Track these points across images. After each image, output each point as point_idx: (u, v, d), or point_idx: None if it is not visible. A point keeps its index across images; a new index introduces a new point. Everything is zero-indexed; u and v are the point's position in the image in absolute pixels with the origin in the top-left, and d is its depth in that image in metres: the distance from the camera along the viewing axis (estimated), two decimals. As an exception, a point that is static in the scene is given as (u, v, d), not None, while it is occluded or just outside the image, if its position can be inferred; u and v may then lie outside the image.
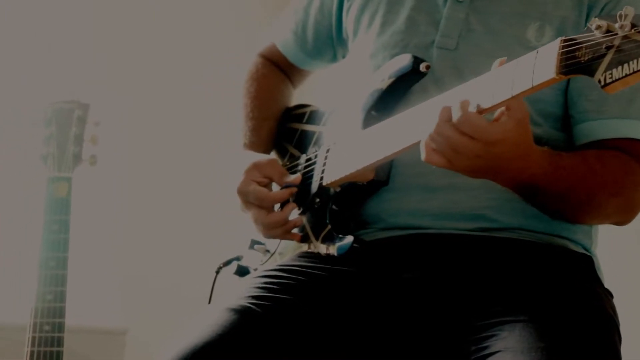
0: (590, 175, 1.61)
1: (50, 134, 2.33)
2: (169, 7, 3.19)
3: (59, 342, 2.17)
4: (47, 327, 2.17)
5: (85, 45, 3.05)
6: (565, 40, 1.32)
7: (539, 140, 1.65)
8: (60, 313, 2.18)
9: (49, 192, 2.28)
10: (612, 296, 1.72)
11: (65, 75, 2.99)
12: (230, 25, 3.20)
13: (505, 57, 1.44)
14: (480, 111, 1.43)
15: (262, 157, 1.89)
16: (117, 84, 3.02)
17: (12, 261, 2.98)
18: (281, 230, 1.80)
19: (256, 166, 1.83)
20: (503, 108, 1.44)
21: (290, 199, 1.81)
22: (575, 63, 1.30)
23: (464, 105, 1.43)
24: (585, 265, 1.73)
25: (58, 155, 2.31)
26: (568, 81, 1.68)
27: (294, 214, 1.81)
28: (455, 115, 1.43)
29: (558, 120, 1.72)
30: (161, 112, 3.09)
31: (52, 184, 2.28)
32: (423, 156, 1.49)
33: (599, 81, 1.26)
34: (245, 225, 1.85)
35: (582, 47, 1.29)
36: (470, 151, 1.44)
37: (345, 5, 1.90)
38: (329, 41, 1.98)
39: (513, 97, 1.40)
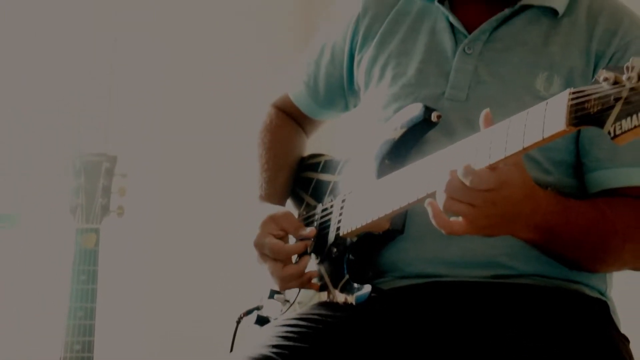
0: (602, 219, 1.57)
1: (78, 185, 2.29)
2: (197, 58, 3.18)
3: (87, 391, 2.13)
4: (75, 377, 2.13)
5: (115, 98, 3.03)
6: (574, 92, 1.27)
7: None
8: (88, 363, 2.14)
9: (77, 243, 2.24)
10: (628, 341, 1.67)
11: (93, 127, 2.97)
12: (258, 74, 3.18)
13: (488, 109, 1.42)
14: (492, 167, 1.39)
15: (277, 209, 1.85)
16: (145, 136, 3.01)
17: (41, 312, 2.95)
18: (297, 282, 1.77)
19: (272, 219, 1.79)
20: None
21: (308, 250, 1.78)
22: (585, 115, 1.25)
23: (468, 168, 1.39)
24: (601, 309, 1.68)
25: (86, 207, 2.27)
26: (579, 131, 1.62)
27: (312, 262, 1.78)
28: (467, 179, 1.39)
29: (570, 168, 1.68)
30: (187, 165, 3.07)
31: (80, 235, 2.24)
32: (442, 230, 1.44)
33: (609, 132, 1.22)
34: (265, 275, 1.81)
35: (591, 99, 1.24)
36: (485, 201, 1.40)
37: (356, 57, 1.87)
38: (341, 92, 1.94)
39: (524, 149, 1.35)
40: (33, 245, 2.99)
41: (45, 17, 3.03)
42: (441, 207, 1.42)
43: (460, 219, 1.42)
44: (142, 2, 3.10)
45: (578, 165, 1.68)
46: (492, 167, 1.39)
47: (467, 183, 1.38)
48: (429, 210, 1.44)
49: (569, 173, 1.67)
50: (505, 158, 1.37)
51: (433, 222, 1.44)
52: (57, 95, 3.02)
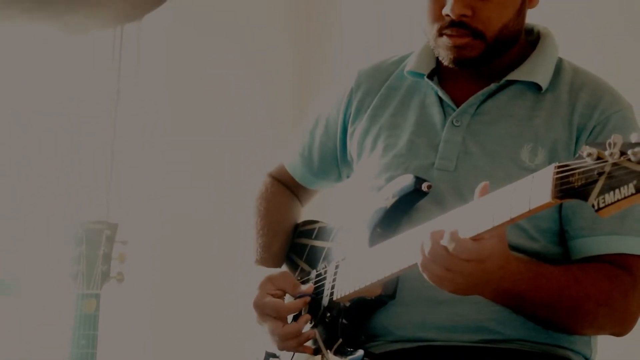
0: (574, 284, 1.59)
1: (80, 252, 2.28)
2: (198, 125, 3.18)
3: None
4: None
5: (116, 168, 3.04)
6: (559, 166, 1.29)
7: (536, 255, 1.64)
8: None
9: (78, 308, 2.22)
10: None
11: (95, 196, 2.98)
12: (257, 142, 3.20)
13: (488, 182, 1.44)
14: (476, 238, 1.42)
15: (274, 270, 1.86)
16: (144, 205, 3.00)
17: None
18: (296, 342, 1.75)
19: (270, 279, 1.80)
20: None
21: (303, 311, 1.78)
22: (570, 188, 1.27)
23: (454, 234, 1.42)
24: (586, 374, 1.69)
25: (87, 273, 2.26)
26: None
27: (306, 327, 1.77)
28: (451, 245, 1.42)
29: (555, 235, 1.69)
30: (185, 232, 3.07)
31: (80, 301, 2.23)
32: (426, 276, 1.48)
33: (593, 205, 1.23)
34: (260, 337, 1.81)
35: (575, 173, 1.26)
36: (462, 269, 1.43)
37: (349, 129, 1.89)
38: (334, 162, 1.95)
39: (512, 219, 1.37)
40: (34, 311, 2.97)
41: (49, 82, 3.03)
42: (419, 263, 1.46)
43: None
44: (144, 67, 3.12)
45: (562, 232, 1.69)
46: (477, 238, 1.41)
47: (450, 249, 1.41)
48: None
49: (554, 240, 1.69)
50: (493, 228, 1.39)
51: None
52: (59, 163, 3.02)
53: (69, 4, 0.75)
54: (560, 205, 1.66)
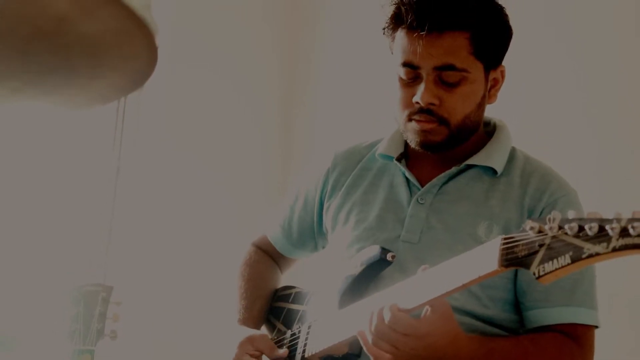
0: (524, 356, 1.60)
1: (77, 312, 2.30)
2: (186, 189, 3.19)
3: None
4: None
5: (114, 234, 3.05)
6: (505, 238, 1.33)
7: (489, 320, 1.65)
8: None
9: (74, 362, 2.23)
10: None
11: (92, 260, 2.99)
12: (246, 198, 3.20)
13: (427, 265, 1.47)
14: (416, 309, 1.44)
15: (254, 332, 1.88)
16: (137, 267, 3.01)
17: None
18: None
19: (249, 340, 1.83)
20: (428, 307, 1.45)
21: None
22: (514, 257, 1.30)
23: (393, 307, 1.44)
24: None
25: (83, 331, 2.27)
26: (516, 273, 1.69)
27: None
28: (387, 316, 1.45)
29: (507, 304, 1.71)
30: (178, 294, 3.07)
31: (76, 356, 2.24)
32: (371, 358, 1.49)
33: (534, 273, 1.26)
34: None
35: (519, 244, 1.29)
36: (405, 345, 1.45)
37: (325, 204, 1.93)
38: (311, 234, 1.99)
39: (463, 285, 1.39)
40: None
41: (50, 155, 3.02)
42: (369, 340, 1.48)
43: None
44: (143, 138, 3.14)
45: (516, 302, 1.71)
46: (425, 311, 1.44)
47: (386, 321, 1.44)
48: (360, 340, 1.49)
49: (507, 308, 1.71)
50: (431, 300, 1.43)
51: (365, 349, 1.49)
52: (58, 230, 3.03)
53: (62, 78, 0.73)
54: (515, 278, 1.70)
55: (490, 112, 1.84)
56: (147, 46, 0.64)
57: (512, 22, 1.77)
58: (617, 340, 2.28)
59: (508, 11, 1.76)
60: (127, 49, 0.65)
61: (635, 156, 2.48)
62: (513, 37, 1.78)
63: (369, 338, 1.48)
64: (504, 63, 1.78)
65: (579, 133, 2.59)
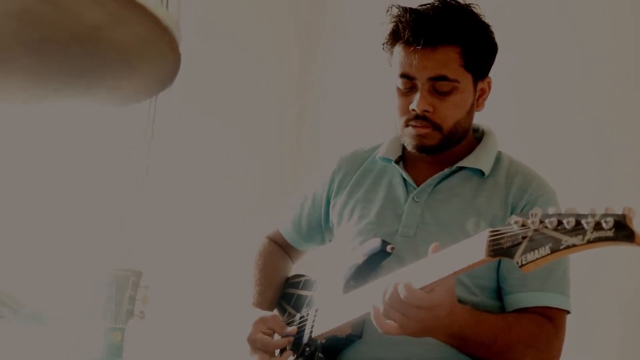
0: (508, 329, 1.60)
1: (110, 294, 2.30)
2: (211, 190, 3.18)
3: None
4: None
5: (142, 221, 3.05)
6: (492, 231, 1.32)
7: (475, 306, 1.64)
8: None
9: (107, 339, 2.23)
10: None
11: (125, 245, 3.00)
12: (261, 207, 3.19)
13: (438, 243, 1.46)
14: (425, 288, 1.43)
15: (267, 313, 1.88)
16: (164, 254, 3.01)
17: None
18: None
19: (262, 320, 1.83)
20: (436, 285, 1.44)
21: (287, 347, 1.79)
22: (500, 248, 1.29)
23: (407, 284, 1.44)
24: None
25: (115, 311, 2.27)
26: (499, 262, 1.68)
27: (290, 359, 1.78)
28: (403, 293, 1.43)
29: (492, 292, 1.71)
30: (200, 279, 3.06)
31: (109, 333, 2.24)
32: (379, 329, 1.48)
33: (517, 262, 1.26)
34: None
35: (505, 236, 1.29)
36: (416, 315, 1.44)
37: (332, 202, 1.93)
38: (319, 229, 1.99)
39: (454, 273, 1.39)
40: (72, 339, 2.95)
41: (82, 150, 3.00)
42: (381, 311, 1.47)
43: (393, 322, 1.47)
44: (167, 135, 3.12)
45: (499, 290, 1.71)
46: (430, 289, 1.43)
47: (402, 297, 1.43)
48: (372, 312, 1.47)
49: (492, 296, 1.71)
50: (439, 280, 1.42)
51: (373, 321, 1.48)
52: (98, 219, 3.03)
53: (96, 80, 0.73)
54: (498, 267, 1.70)
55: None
56: (171, 51, 0.64)
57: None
58: (614, 339, 2.27)
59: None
60: (153, 54, 0.65)
61: (635, 156, 2.44)
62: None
63: (381, 308, 1.47)
64: (490, 74, 1.79)
65: (579, 133, 2.55)
